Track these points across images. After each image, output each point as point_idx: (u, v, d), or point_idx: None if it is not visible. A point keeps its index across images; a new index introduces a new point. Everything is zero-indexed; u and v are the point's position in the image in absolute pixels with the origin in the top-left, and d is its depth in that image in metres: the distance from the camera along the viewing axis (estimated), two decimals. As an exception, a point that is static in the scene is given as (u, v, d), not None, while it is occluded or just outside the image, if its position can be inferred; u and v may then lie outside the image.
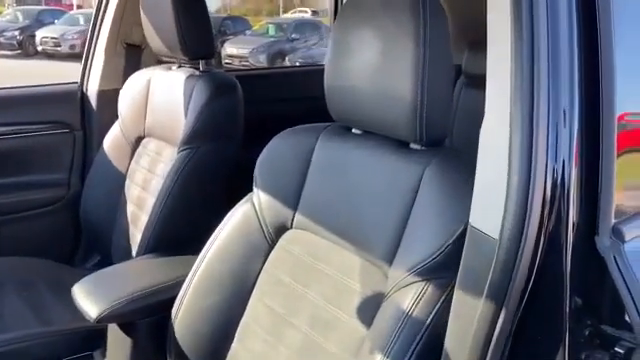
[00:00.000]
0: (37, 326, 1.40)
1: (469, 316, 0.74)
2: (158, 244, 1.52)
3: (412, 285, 0.88)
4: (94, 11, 2.02)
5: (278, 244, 1.13)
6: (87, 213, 1.84)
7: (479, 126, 0.77)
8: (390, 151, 1.00)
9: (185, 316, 1.18)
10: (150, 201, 1.62)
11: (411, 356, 0.85)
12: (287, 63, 12.05)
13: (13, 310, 1.46)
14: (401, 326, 0.86)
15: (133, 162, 1.77)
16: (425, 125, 0.93)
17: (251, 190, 1.19)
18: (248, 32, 13.97)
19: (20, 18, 14.82)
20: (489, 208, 0.73)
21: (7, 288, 1.56)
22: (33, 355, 1.37)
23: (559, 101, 0.69)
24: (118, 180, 1.77)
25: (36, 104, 1.94)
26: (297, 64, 10.89)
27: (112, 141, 1.82)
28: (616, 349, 0.71)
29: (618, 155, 0.74)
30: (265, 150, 1.18)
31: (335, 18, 2.54)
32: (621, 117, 0.74)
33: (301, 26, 13.76)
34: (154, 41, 1.71)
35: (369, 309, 0.94)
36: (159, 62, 1.91)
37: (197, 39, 1.62)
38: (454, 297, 0.79)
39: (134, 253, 1.61)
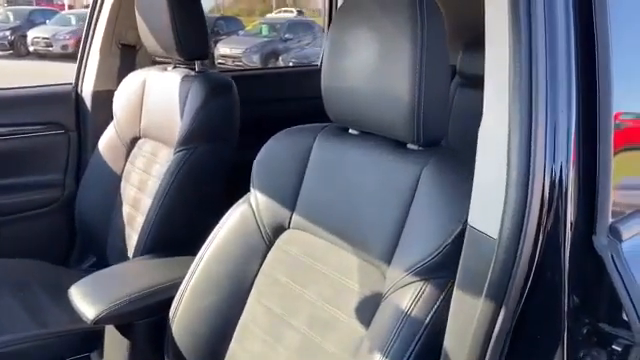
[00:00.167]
0: (33, 328, 1.39)
1: (469, 315, 0.74)
2: (155, 245, 1.52)
3: (410, 285, 0.89)
4: (89, 11, 2.01)
5: (276, 244, 1.13)
6: (82, 214, 1.83)
7: (474, 126, 0.77)
8: (387, 151, 1.00)
9: (183, 317, 1.17)
10: (146, 202, 1.62)
11: (410, 355, 0.85)
12: (280, 63, 12.05)
13: (9, 312, 1.46)
14: (400, 326, 0.87)
15: (128, 163, 1.77)
16: (422, 125, 0.93)
17: (248, 191, 1.19)
18: (241, 32, 13.96)
19: (11, 18, 14.72)
20: (488, 208, 0.73)
21: (2, 290, 1.55)
22: (30, 357, 1.36)
23: (557, 101, 0.69)
24: (113, 181, 1.77)
25: (30, 105, 1.93)
26: (290, 64, 10.90)
27: (107, 142, 1.81)
28: (614, 347, 0.72)
29: (613, 154, 0.75)
30: (262, 150, 1.18)
31: (330, 18, 2.55)
32: (615, 116, 0.75)
33: (294, 26, 13.76)
34: (149, 41, 1.70)
35: (368, 309, 0.95)
36: (154, 63, 1.91)
37: (193, 39, 1.62)
38: (453, 296, 0.79)
39: (130, 254, 1.61)
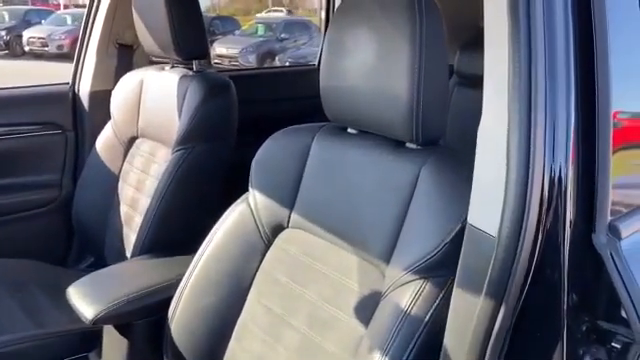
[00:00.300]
0: (31, 328, 1.39)
1: (469, 313, 0.75)
2: (153, 245, 1.52)
3: (410, 283, 0.89)
4: (86, 11, 2.01)
5: (274, 244, 1.13)
6: (80, 214, 1.83)
7: (471, 125, 0.77)
8: (386, 150, 1.00)
9: (182, 317, 1.17)
10: (144, 202, 1.61)
11: (410, 354, 0.85)
12: (277, 63, 12.05)
13: (7, 312, 1.45)
14: (399, 324, 0.87)
15: (126, 163, 1.76)
16: (421, 125, 0.94)
17: (246, 190, 1.19)
18: (237, 32, 13.94)
19: (6, 18, 14.66)
20: (487, 207, 0.73)
21: (0, 290, 1.55)
22: (28, 357, 1.36)
23: (556, 101, 0.69)
24: (111, 181, 1.77)
25: (27, 105, 1.92)
26: (287, 64, 10.89)
27: (104, 142, 1.81)
28: (613, 344, 0.72)
29: (612, 153, 0.75)
30: (261, 150, 1.18)
31: (327, 18, 2.55)
32: (613, 115, 0.75)
33: (290, 26, 13.75)
34: (147, 41, 1.70)
35: (367, 308, 0.95)
36: (151, 62, 1.91)
37: (190, 39, 1.61)
38: (453, 294, 0.80)
39: (128, 254, 1.61)
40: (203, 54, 1.67)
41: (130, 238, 1.62)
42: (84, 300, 1.25)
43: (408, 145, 0.99)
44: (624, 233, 0.75)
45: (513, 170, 0.70)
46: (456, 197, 0.88)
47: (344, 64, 1.00)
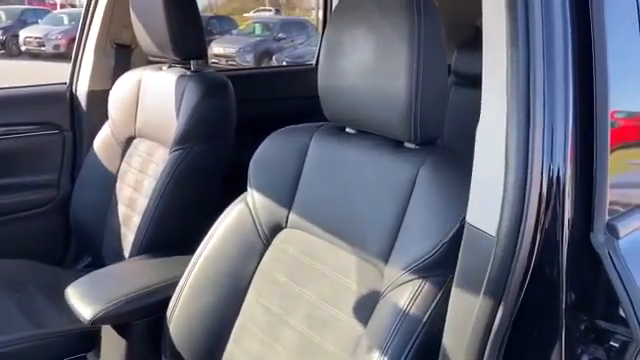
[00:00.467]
0: (30, 328, 1.39)
1: (467, 312, 0.75)
2: (151, 245, 1.52)
3: (408, 283, 0.89)
4: (83, 11, 2.01)
5: (273, 244, 1.13)
6: (78, 214, 1.83)
7: (469, 124, 0.78)
8: (384, 150, 1.00)
9: (180, 317, 1.17)
10: (142, 202, 1.61)
11: (408, 353, 0.85)
12: (274, 62, 12.05)
13: (4, 313, 1.45)
14: (398, 324, 0.87)
15: (124, 163, 1.76)
16: (419, 124, 0.94)
17: (245, 190, 1.19)
18: (234, 31, 13.94)
19: (3, 18, 14.63)
20: (486, 206, 0.73)
21: (-3, 290, 1.55)
22: (26, 357, 1.35)
23: (554, 101, 0.70)
24: (109, 181, 1.76)
25: (25, 105, 1.92)
26: (284, 63, 10.89)
27: (102, 142, 1.80)
28: (611, 343, 0.73)
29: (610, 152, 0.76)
30: (259, 150, 1.18)
31: (324, 17, 2.55)
32: (611, 115, 0.76)
33: (287, 25, 13.75)
34: (144, 41, 1.70)
35: (366, 307, 0.95)
36: (149, 62, 1.90)
37: (188, 39, 1.61)
38: (452, 294, 0.80)
39: (126, 254, 1.60)
40: (201, 54, 1.67)
41: (128, 238, 1.62)
42: (82, 300, 1.24)
43: (406, 145, 0.99)
44: (622, 232, 0.75)
45: (512, 170, 0.70)
46: (455, 197, 0.88)
47: (342, 64, 1.01)
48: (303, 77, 2.39)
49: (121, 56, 2.00)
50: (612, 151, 0.75)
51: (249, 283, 1.14)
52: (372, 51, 0.96)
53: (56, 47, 12.91)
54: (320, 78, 1.06)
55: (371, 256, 0.97)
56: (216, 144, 1.58)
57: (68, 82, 2.00)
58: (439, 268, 0.87)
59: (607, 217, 0.75)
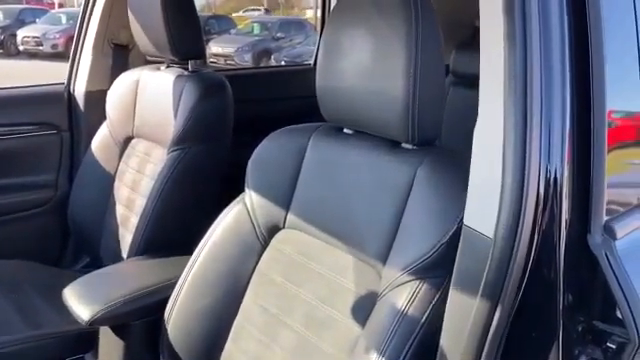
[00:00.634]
0: (27, 329, 1.39)
1: (465, 314, 0.75)
2: (149, 245, 1.52)
3: (406, 284, 0.89)
4: (81, 10, 2.00)
5: (271, 244, 1.13)
6: (75, 215, 1.83)
7: (467, 125, 0.78)
8: (382, 151, 1.00)
9: (178, 317, 1.17)
10: (140, 202, 1.61)
11: (406, 354, 0.85)
12: (272, 62, 12.05)
13: (2, 313, 1.45)
14: (396, 325, 0.87)
15: (122, 163, 1.76)
16: (417, 125, 0.94)
17: (243, 190, 1.19)
18: (233, 31, 13.93)
19: (0, 17, 14.59)
20: (483, 207, 0.74)
21: (-5, 291, 1.54)
22: (23, 359, 1.35)
23: (552, 102, 0.70)
24: (107, 181, 1.76)
25: (22, 105, 1.92)
26: (283, 63, 10.89)
27: (100, 142, 1.80)
28: (608, 344, 0.73)
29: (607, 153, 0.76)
30: (257, 150, 1.18)
31: (323, 17, 2.55)
32: (608, 115, 0.76)
33: (286, 25, 13.75)
34: (142, 41, 1.69)
35: (363, 308, 0.95)
36: (147, 62, 1.90)
37: (186, 39, 1.61)
38: (449, 295, 0.80)
39: (124, 255, 1.60)
40: (199, 54, 1.67)
41: (126, 238, 1.62)
42: (80, 301, 1.24)
43: (404, 145, 0.99)
44: (619, 233, 0.75)
45: (509, 171, 0.70)
46: (452, 198, 0.88)
47: (340, 64, 1.01)
48: (301, 77, 2.39)
49: (119, 56, 1.99)
50: (609, 151, 0.75)
51: (247, 283, 1.14)
52: (370, 51, 0.96)
53: (54, 47, 12.89)
54: (318, 78, 1.06)
55: (369, 257, 0.97)
56: (214, 144, 1.58)
57: (66, 82, 2.00)
58: (437, 269, 0.87)
59: (604, 218, 0.75)
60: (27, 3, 17.89)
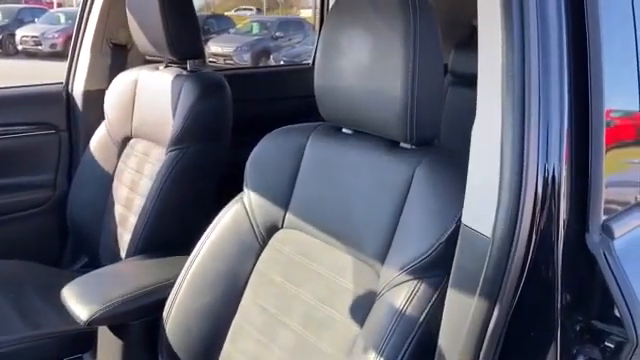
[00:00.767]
0: (26, 329, 1.38)
1: (463, 313, 0.75)
2: (148, 245, 1.52)
3: (405, 284, 0.89)
4: (79, 10, 2.00)
5: (269, 244, 1.13)
6: (74, 214, 1.82)
7: (466, 124, 0.78)
8: (381, 150, 1.00)
9: (177, 317, 1.17)
10: (138, 202, 1.61)
11: (405, 354, 0.85)
12: (272, 61, 12.04)
13: (0, 313, 1.45)
14: (394, 324, 0.87)
15: (120, 163, 1.76)
16: (415, 124, 0.94)
17: (241, 190, 1.19)
18: (232, 30, 13.93)
19: (-1, 17, 14.61)
20: (481, 207, 0.73)
21: (-6, 291, 1.54)
22: (22, 359, 1.35)
23: (549, 101, 0.70)
24: (105, 181, 1.76)
25: (21, 105, 1.92)
26: (282, 62, 10.89)
27: (99, 142, 1.80)
28: (606, 343, 0.73)
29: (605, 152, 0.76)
30: (255, 150, 1.18)
31: (321, 17, 2.55)
32: (606, 114, 0.76)
33: (285, 24, 13.75)
34: (141, 41, 1.69)
35: (362, 308, 0.95)
36: (146, 62, 1.90)
37: (185, 39, 1.61)
38: (447, 295, 0.80)
39: (123, 254, 1.60)
40: (198, 54, 1.67)
41: (125, 238, 1.62)
42: (79, 301, 1.24)
43: (403, 145, 0.99)
44: (617, 233, 0.75)
45: (507, 170, 0.70)
46: (451, 197, 0.88)
47: (338, 64, 1.01)
48: (300, 77, 2.39)
49: (117, 56, 1.99)
50: (607, 151, 0.75)
51: (246, 283, 1.14)
52: (368, 51, 0.96)
53: (53, 46, 12.88)
54: (316, 78, 1.06)
55: (367, 256, 0.97)
56: (213, 144, 1.58)
57: (64, 82, 2.00)
58: (435, 269, 0.87)
59: (602, 217, 0.75)
60: (26, 2, 17.87)
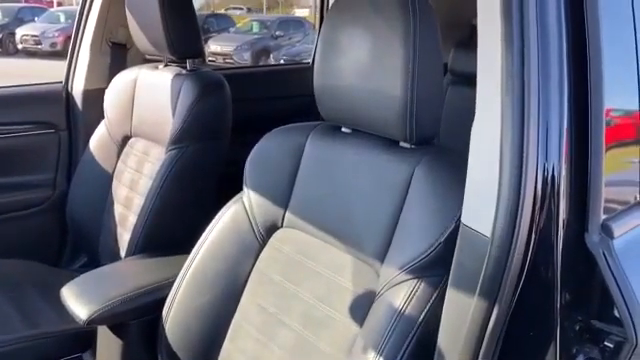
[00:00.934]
0: (25, 329, 1.38)
1: (462, 312, 0.75)
2: (147, 244, 1.52)
3: (404, 283, 0.89)
4: (78, 9, 2.00)
5: (269, 243, 1.13)
6: (74, 214, 1.82)
7: (465, 123, 0.77)
8: (380, 150, 1.00)
9: (176, 316, 1.17)
10: (138, 201, 1.61)
11: (404, 353, 0.85)
12: (271, 60, 12.04)
13: (0, 313, 1.45)
14: (394, 324, 0.87)
15: (120, 162, 1.76)
16: (415, 124, 0.94)
17: (241, 189, 1.19)
18: (232, 29, 13.93)
19: (-1, 16, 14.60)
20: (481, 206, 0.73)
21: (-7, 291, 1.54)
22: (21, 358, 1.35)
23: (549, 100, 0.70)
24: (105, 180, 1.76)
25: (20, 104, 1.91)
26: (282, 61, 10.89)
27: (98, 141, 1.80)
28: (606, 343, 0.73)
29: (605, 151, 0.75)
30: (255, 149, 1.18)
31: (321, 16, 2.55)
32: (606, 113, 0.75)
33: (285, 23, 13.75)
34: (140, 40, 1.69)
35: (361, 307, 0.95)
36: (145, 61, 1.90)
37: (184, 38, 1.61)
38: (447, 294, 0.80)
39: (123, 254, 1.60)
40: (197, 53, 1.67)
41: (124, 237, 1.62)
42: (78, 300, 1.24)
43: (402, 144, 0.99)
44: (617, 232, 0.75)
45: (506, 170, 0.70)
46: (450, 197, 0.88)
47: (338, 63, 1.00)
48: (299, 76, 2.39)
49: (117, 55, 1.99)
50: (607, 150, 0.75)
51: (245, 282, 1.13)
52: (368, 50, 0.96)
53: (53, 45, 12.88)
54: (316, 77, 1.06)
55: (367, 256, 0.97)
56: (212, 143, 1.58)
57: (64, 81, 2.00)
58: (435, 268, 0.87)
59: (602, 217, 0.75)
60: (26, 1, 17.87)
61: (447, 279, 0.80)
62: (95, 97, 1.89)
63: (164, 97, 1.62)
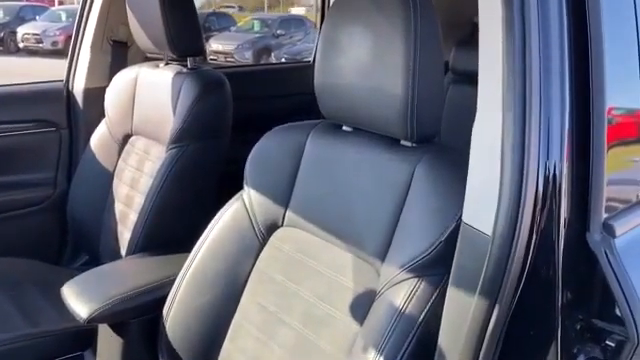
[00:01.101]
0: (26, 327, 1.38)
1: (463, 311, 0.75)
2: (148, 243, 1.52)
3: (405, 282, 0.89)
4: (79, 8, 2.00)
5: (269, 242, 1.13)
6: (74, 212, 1.82)
7: (467, 122, 0.77)
8: (381, 148, 1.00)
9: (176, 315, 1.17)
10: (139, 200, 1.61)
11: (404, 352, 0.85)
12: (273, 59, 12.04)
13: (0, 311, 1.45)
14: (394, 323, 0.87)
15: (121, 160, 1.76)
16: (416, 122, 0.94)
17: (241, 188, 1.19)
18: (233, 28, 13.92)
19: (0, 14, 14.58)
20: (482, 205, 0.73)
21: (-6, 289, 1.54)
22: (22, 356, 1.35)
23: (551, 99, 0.69)
24: (106, 179, 1.76)
25: (21, 103, 1.91)
26: (283, 60, 10.89)
27: (99, 139, 1.80)
28: (607, 342, 0.72)
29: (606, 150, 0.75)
30: (255, 148, 1.18)
31: (322, 14, 2.55)
32: (608, 111, 0.75)
33: (286, 22, 13.75)
34: (141, 38, 1.69)
35: (362, 306, 0.95)
36: (146, 59, 1.90)
37: (185, 36, 1.61)
38: (448, 293, 0.80)
39: (123, 252, 1.60)
40: (198, 51, 1.67)
41: (125, 236, 1.62)
42: (79, 299, 1.24)
43: (403, 143, 0.99)
44: (618, 231, 0.75)
45: (507, 168, 0.70)
46: (451, 195, 0.88)
47: (339, 61, 1.00)
48: (300, 74, 2.39)
49: (118, 53, 1.99)
50: (609, 148, 0.75)
51: (246, 281, 1.13)
52: (369, 48, 0.95)
53: (54, 44, 12.89)
54: (317, 76, 1.05)
55: (367, 254, 0.97)
56: (213, 142, 1.58)
57: (64, 79, 1.99)
58: (435, 267, 0.87)
59: (604, 216, 0.75)
60: (27, 0, 17.87)
61: (448, 278, 0.80)
62: (96, 95, 1.89)
63: (165, 95, 1.62)
